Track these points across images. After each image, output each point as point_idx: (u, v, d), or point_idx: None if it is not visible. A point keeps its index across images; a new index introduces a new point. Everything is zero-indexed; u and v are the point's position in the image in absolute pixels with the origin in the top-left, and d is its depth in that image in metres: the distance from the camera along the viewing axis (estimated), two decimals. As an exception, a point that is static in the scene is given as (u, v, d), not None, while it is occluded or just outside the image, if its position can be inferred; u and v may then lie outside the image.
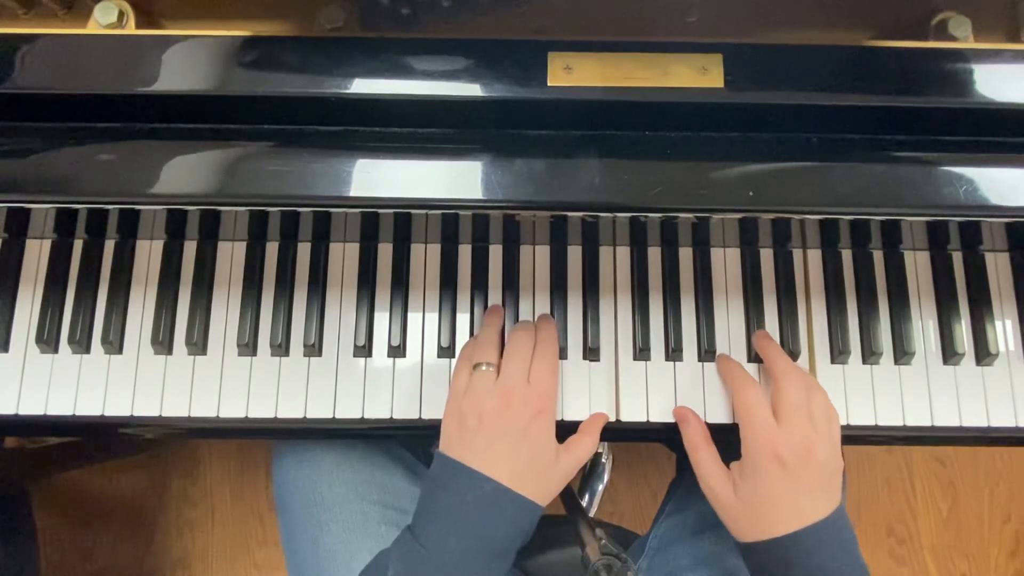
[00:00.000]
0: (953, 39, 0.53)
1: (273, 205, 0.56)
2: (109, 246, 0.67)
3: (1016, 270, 0.68)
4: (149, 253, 0.67)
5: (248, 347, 0.65)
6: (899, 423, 0.65)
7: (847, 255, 0.68)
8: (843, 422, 0.63)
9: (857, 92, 0.51)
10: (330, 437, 0.69)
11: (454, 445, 0.57)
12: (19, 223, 0.65)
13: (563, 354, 0.66)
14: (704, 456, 0.60)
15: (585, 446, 0.60)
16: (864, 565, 0.56)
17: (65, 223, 0.65)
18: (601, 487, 1.24)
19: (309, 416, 0.64)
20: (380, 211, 0.60)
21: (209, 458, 1.37)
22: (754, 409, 0.57)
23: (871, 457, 1.41)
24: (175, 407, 0.64)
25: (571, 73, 0.50)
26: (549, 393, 0.58)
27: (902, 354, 0.66)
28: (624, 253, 0.68)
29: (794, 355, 0.66)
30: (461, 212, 0.60)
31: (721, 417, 0.64)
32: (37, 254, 0.67)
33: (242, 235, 0.67)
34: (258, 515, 1.35)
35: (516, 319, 0.66)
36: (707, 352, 0.66)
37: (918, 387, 0.66)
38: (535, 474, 0.56)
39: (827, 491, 0.55)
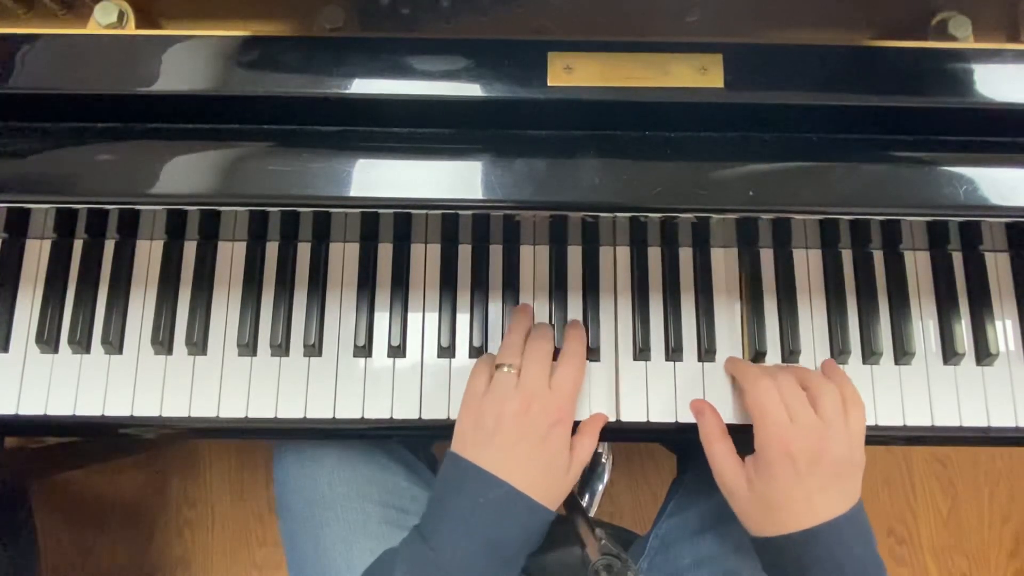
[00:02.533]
0: (953, 39, 0.53)
1: (273, 205, 0.56)
2: (109, 246, 0.67)
3: (1016, 270, 0.68)
4: (149, 253, 0.67)
5: (248, 347, 0.65)
6: (899, 423, 0.65)
7: (847, 255, 0.68)
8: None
9: (857, 92, 0.51)
10: (330, 437, 0.69)
11: (468, 446, 0.57)
12: (19, 223, 0.65)
13: (563, 354, 0.66)
14: (719, 449, 0.59)
15: (584, 447, 0.60)
16: (881, 562, 0.55)
17: (65, 223, 0.65)
18: (601, 487, 1.24)
19: (309, 416, 0.64)
20: (380, 211, 0.60)
21: (209, 458, 1.37)
22: (767, 405, 0.56)
23: (871, 457, 1.39)
24: (175, 407, 0.64)
25: (571, 73, 0.50)
26: (569, 401, 0.58)
27: (902, 354, 0.66)
28: (624, 253, 0.68)
29: (794, 355, 0.66)
30: (461, 212, 0.60)
31: (723, 416, 0.64)
32: (37, 254, 0.67)
33: (242, 235, 0.67)
34: (258, 515, 1.35)
35: (516, 319, 0.66)
36: (707, 352, 0.66)
37: (918, 387, 0.66)
38: (548, 481, 0.56)
39: (842, 487, 0.55)
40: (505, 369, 0.58)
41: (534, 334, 0.61)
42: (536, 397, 0.56)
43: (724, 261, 0.68)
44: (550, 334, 0.62)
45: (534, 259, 0.68)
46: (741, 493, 0.57)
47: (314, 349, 0.65)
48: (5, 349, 0.65)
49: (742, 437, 0.59)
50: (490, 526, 0.54)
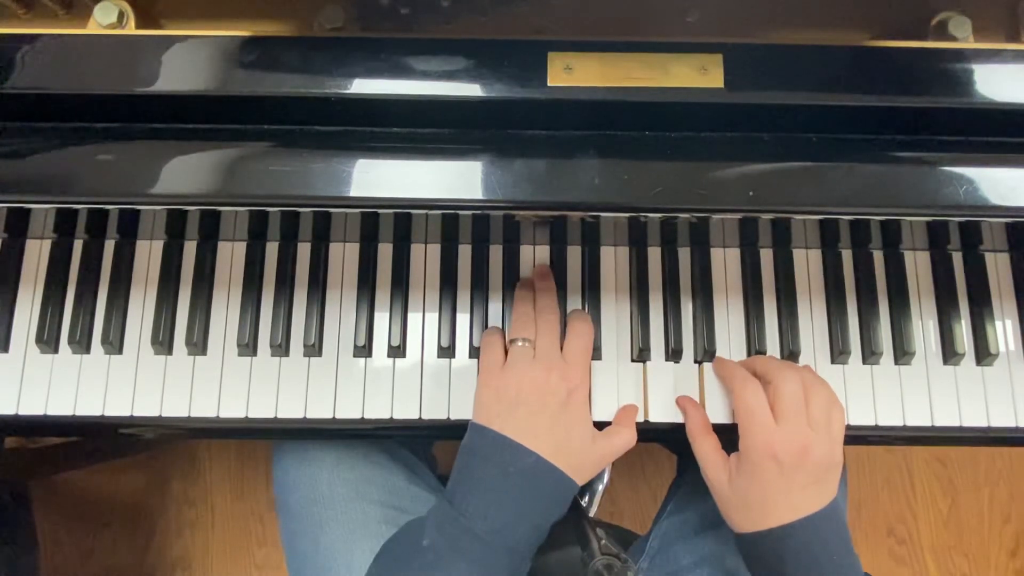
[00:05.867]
0: (953, 39, 0.53)
1: (273, 205, 0.56)
2: (109, 246, 0.67)
3: (1016, 270, 0.68)
4: (149, 253, 0.67)
5: (248, 347, 0.65)
6: (899, 423, 0.65)
7: (847, 255, 0.68)
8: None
9: (857, 92, 0.51)
10: (330, 437, 0.69)
11: (493, 417, 0.58)
12: (19, 223, 0.65)
13: (563, 354, 0.66)
14: (703, 445, 0.61)
15: (623, 436, 0.61)
16: (856, 557, 0.56)
17: (65, 223, 0.65)
18: (601, 487, 1.23)
19: (309, 416, 0.64)
20: (380, 211, 0.60)
21: (209, 458, 1.37)
22: (753, 408, 0.57)
23: (871, 457, 1.41)
24: (175, 407, 0.64)
25: (571, 73, 0.50)
26: (583, 369, 0.60)
27: (902, 354, 0.66)
28: (624, 253, 0.68)
29: (794, 355, 0.66)
30: (461, 212, 0.60)
31: (721, 417, 0.64)
32: (37, 254, 0.67)
33: (242, 235, 0.67)
34: (258, 515, 1.35)
35: (516, 319, 0.66)
36: (707, 352, 0.66)
37: (918, 387, 0.66)
38: (573, 450, 0.58)
39: (820, 485, 0.56)
40: (520, 343, 0.60)
41: (540, 308, 0.62)
42: (554, 366, 0.59)
43: (724, 261, 0.68)
44: (555, 305, 0.63)
45: (534, 259, 0.68)
46: (722, 489, 0.58)
47: (314, 349, 0.65)
48: (5, 349, 0.65)
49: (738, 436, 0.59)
50: (521, 495, 0.55)
